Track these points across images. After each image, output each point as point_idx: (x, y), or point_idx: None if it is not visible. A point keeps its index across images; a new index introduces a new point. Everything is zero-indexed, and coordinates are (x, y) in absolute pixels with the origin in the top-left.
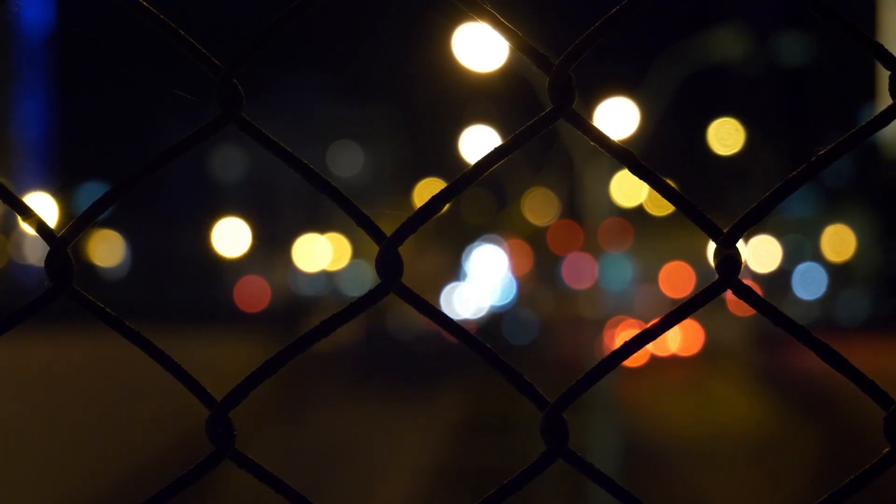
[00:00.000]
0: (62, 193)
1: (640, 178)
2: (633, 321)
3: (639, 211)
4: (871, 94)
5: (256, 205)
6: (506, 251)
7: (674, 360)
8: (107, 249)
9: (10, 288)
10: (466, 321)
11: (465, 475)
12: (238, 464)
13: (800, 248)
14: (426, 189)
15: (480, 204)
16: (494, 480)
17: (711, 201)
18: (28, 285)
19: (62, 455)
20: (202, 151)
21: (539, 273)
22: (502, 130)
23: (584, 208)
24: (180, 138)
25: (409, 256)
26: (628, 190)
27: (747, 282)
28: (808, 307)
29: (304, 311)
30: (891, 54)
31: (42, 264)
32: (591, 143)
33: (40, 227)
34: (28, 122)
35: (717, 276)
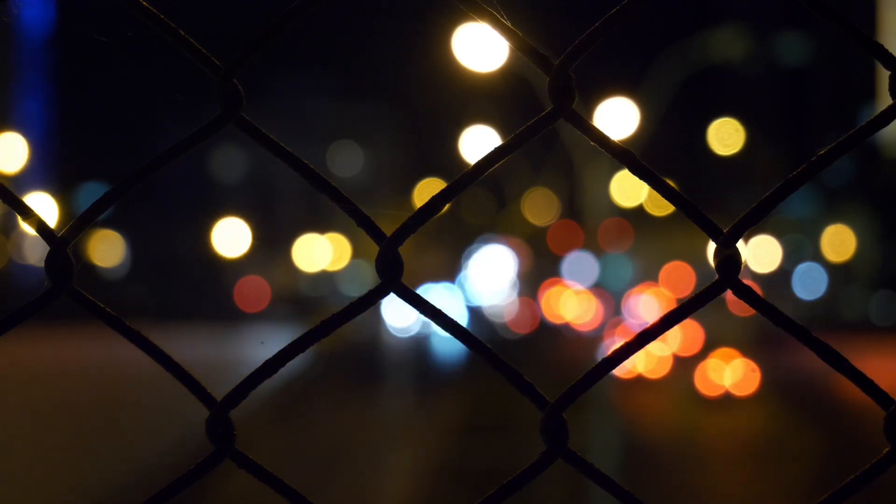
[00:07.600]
0: (62, 193)
1: (640, 178)
2: (632, 321)
3: (639, 211)
4: (871, 94)
5: (256, 205)
6: (507, 251)
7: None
8: (107, 249)
9: (10, 288)
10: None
11: (465, 475)
12: (238, 464)
13: (800, 248)
14: (426, 189)
15: (480, 204)
16: (494, 480)
17: (711, 201)
18: (28, 285)
19: (62, 455)
20: (202, 151)
21: (539, 273)
22: (502, 130)
23: (584, 208)
24: (180, 138)
25: (409, 256)
26: (628, 190)
27: (747, 282)
28: (808, 307)
29: (304, 310)
30: (891, 54)
31: (42, 264)
32: (591, 143)
33: (40, 227)
34: (28, 121)
35: (716, 276)
